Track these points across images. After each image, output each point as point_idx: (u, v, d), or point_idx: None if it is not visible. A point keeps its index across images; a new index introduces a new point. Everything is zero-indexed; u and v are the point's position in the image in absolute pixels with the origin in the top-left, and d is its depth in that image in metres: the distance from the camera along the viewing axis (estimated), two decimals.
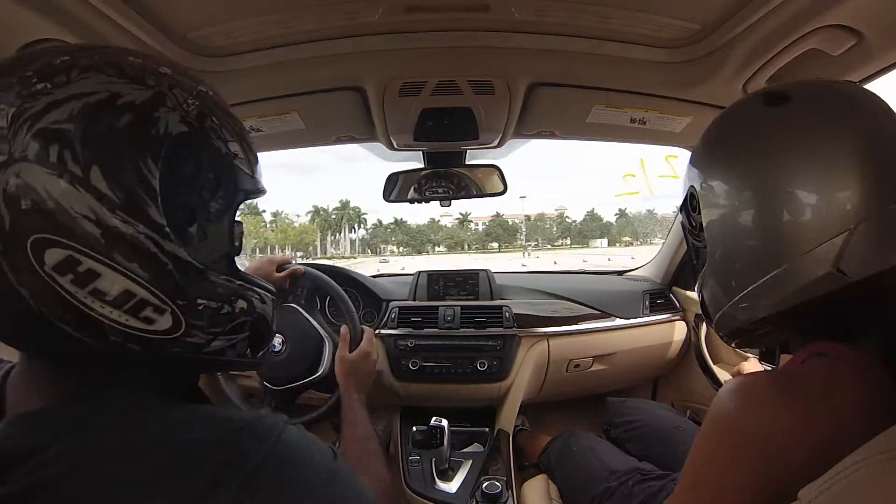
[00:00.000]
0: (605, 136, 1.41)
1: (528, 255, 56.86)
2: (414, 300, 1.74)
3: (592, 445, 1.27)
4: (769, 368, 0.66)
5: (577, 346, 1.69)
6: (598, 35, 0.97)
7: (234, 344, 0.49)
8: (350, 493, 0.45)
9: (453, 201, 1.55)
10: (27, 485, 0.35)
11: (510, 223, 75.70)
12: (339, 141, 1.39)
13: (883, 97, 0.51)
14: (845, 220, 0.45)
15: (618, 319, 1.71)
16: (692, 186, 0.58)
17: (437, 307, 1.67)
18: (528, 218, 77.82)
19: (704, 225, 0.56)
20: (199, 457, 0.38)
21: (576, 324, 1.68)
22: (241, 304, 0.49)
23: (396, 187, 1.50)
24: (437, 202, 1.53)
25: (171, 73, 0.45)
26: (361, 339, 1.16)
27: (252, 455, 0.38)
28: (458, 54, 1.01)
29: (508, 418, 1.60)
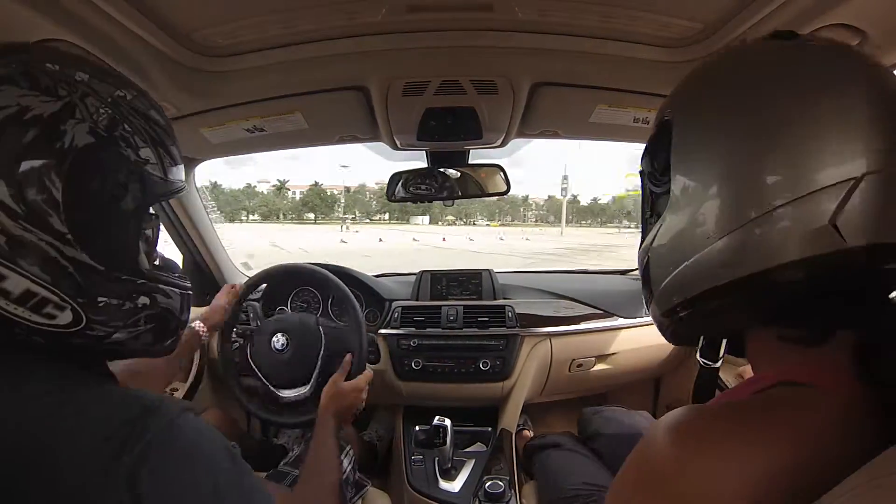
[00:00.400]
0: (608, 135, 1.41)
1: (347, 228, 52.95)
2: (417, 300, 1.75)
3: (546, 461, 1.28)
4: (706, 364, 0.55)
5: (580, 345, 1.69)
6: (600, 35, 0.97)
7: (136, 335, 0.52)
8: (234, 487, 0.46)
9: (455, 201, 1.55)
10: None
11: (329, 193, 72.05)
12: (342, 140, 1.40)
13: None
14: (851, 168, 0.37)
15: (620, 319, 1.71)
16: (667, 119, 0.48)
17: (440, 307, 1.67)
18: (347, 189, 73.96)
19: (674, 163, 0.46)
20: (107, 430, 0.41)
21: (578, 323, 1.68)
22: (144, 300, 0.52)
23: (400, 186, 1.50)
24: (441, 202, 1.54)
25: (86, 80, 0.47)
26: (365, 365, 1.24)
27: (148, 433, 0.42)
28: (462, 54, 1.01)
29: (511, 418, 1.60)
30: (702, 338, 0.55)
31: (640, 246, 0.54)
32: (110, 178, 0.47)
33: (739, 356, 0.52)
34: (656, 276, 0.50)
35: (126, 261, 0.50)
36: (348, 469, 1.15)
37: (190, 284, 0.60)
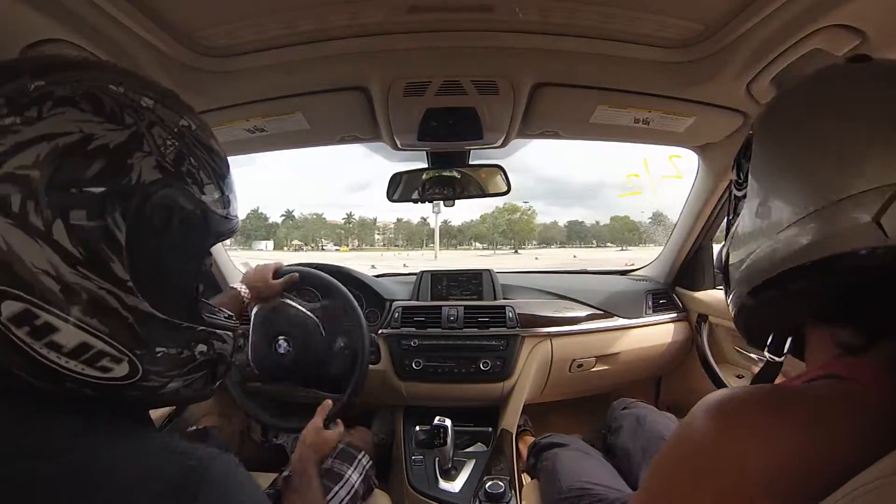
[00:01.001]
0: (608, 136, 1.41)
1: None
2: (417, 300, 1.75)
3: (553, 459, 1.28)
4: (772, 359, 0.59)
5: (580, 346, 1.69)
6: (601, 35, 0.97)
7: (189, 383, 0.49)
8: None
9: (456, 201, 1.55)
10: None
11: None
12: (343, 141, 1.40)
13: None
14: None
15: (620, 319, 1.71)
16: (750, 134, 0.54)
17: (441, 307, 1.67)
18: None
19: (751, 168, 0.52)
20: (148, 491, 0.38)
21: (579, 324, 1.68)
22: (202, 347, 0.49)
23: (400, 187, 1.51)
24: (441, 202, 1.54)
25: (152, 107, 0.43)
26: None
27: (195, 495, 0.39)
28: (462, 54, 1.01)
29: (511, 418, 1.60)
30: (770, 337, 0.60)
31: (723, 246, 0.61)
32: (176, 218, 0.43)
33: (800, 358, 0.57)
34: (733, 269, 0.55)
35: (186, 307, 0.47)
36: (358, 482, 1.11)
37: (238, 323, 0.57)
